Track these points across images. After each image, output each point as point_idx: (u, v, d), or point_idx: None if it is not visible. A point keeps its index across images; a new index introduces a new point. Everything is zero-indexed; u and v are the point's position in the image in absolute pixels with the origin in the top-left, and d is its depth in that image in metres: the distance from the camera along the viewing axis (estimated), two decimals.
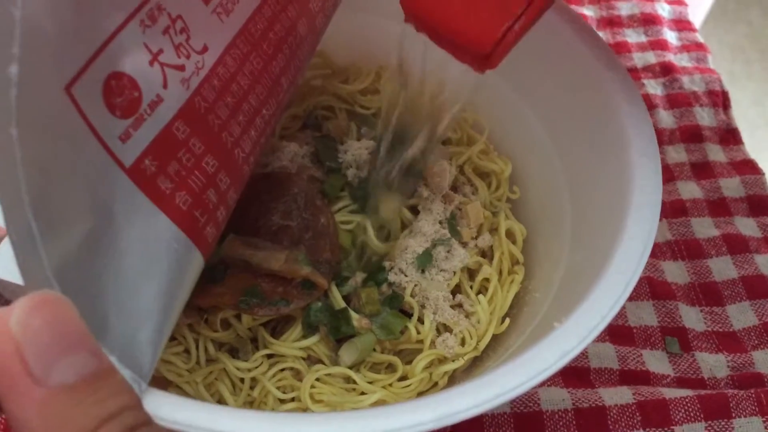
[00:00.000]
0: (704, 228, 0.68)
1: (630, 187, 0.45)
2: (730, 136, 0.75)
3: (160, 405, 0.35)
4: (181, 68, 0.38)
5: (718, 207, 0.70)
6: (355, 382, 0.49)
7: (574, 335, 0.39)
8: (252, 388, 0.49)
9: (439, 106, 0.54)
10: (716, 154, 0.73)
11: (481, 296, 0.52)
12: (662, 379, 0.60)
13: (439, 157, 0.57)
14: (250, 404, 0.49)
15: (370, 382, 0.49)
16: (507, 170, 0.58)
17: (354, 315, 0.51)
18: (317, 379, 0.49)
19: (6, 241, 0.31)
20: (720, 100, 0.77)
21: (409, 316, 0.52)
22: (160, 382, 0.48)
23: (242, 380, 0.49)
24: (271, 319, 0.51)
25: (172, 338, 0.50)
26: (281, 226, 0.53)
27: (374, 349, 0.51)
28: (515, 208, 0.58)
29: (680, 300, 0.64)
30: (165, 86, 0.37)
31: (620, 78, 0.51)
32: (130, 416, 0.31)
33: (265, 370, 0.50)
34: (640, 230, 0.43)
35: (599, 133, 0.50)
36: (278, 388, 0.49)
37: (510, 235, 0.55)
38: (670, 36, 0.84)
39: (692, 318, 0.63)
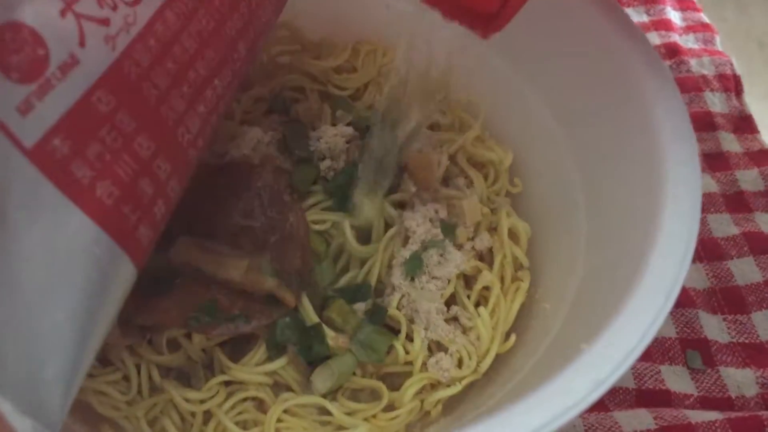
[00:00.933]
0: (722, 226, 0.61)
1: (663, 175, 0.38)
2: (744, 124, 0.68)
3: None
4: (105, 22, 0.29)
5: (736, 202, 0.62)
6: (330, 413, 0.41)
7: (608, 361, 0.31)
8: (206, 423, 0.41)
9: (428, 87, 0.46)
10: (730, 143, 0.66)
11: (481, 308, 0.44)
12: (685, 399, 0.52)
13: (424, 144, 0.49)
14: None
15: (348, 414, 0.41)
16: (507, 160, 0.50)
17: (329, 332, 0.42)
18: (285, 411, 0.41)
19: None
20: (732, 84, 0.70)
21: (396, 332, 0.43)
22: (90, 417, 0.39)
23: (193, 414, 0.41)
24: (228, 338, 0.43)
25: (108, 363, 0.42)
26: (242, 227, 0.45)
27: (354, 373, 0.42)
28: (516, 204, 0.50)
29: (700, 307, 0.56)
30: (82, 44, 0.28)
31: (641, 48, 0.43)
32: None
33: (221, 401, 0.41)
34: (679, 227, 0.35)
35: (619, 113, 0.42)
36: (238, 423, 0.41)
37: (512, 235, 0.47)
38: (674, 16, 0.77)
39: (714, 328, 0.56)
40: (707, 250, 0.60)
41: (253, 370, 0.42)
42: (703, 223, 0.61)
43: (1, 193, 0.26)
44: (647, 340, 0.32)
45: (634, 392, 0.52)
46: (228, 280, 0.42)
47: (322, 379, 0.41)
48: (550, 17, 0.45)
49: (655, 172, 0.38)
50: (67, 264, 0.27)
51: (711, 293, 0.57)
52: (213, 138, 0.37)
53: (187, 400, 0.40)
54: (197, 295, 0.42)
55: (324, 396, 0.41)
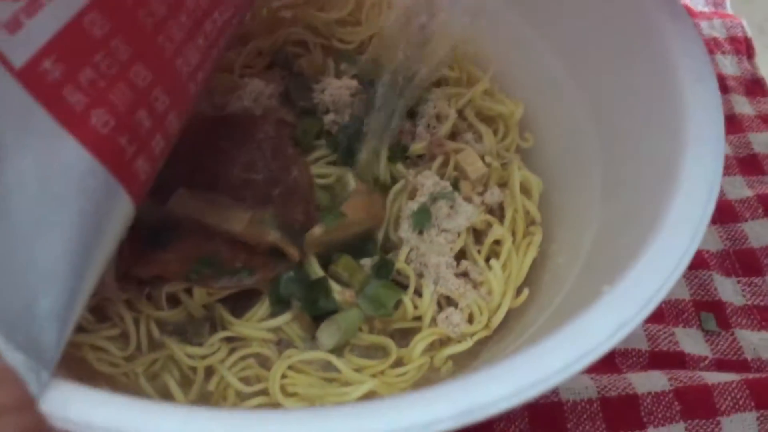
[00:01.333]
0: (736, 188, 0.59)
1: (684, 120, 0.36)
2: (756, 86, 0.66)
3: (69, 402, 0.25)
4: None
5: (749, 165, 0.61)
6: (337, 369, 0.39)
7: (631, 301, 0.29)
8: (207, 379, 0.39)
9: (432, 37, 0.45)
10: (742, 106, 0.65)
11: (493, 261, 0.42)
12: (699, 362, 0.50)
13: (434, 99, 0.47)
14: (206, 400, 0.39)
15: (356, 370, 0.39)
16: (517, 112, 0.48)
17: (335, 286, 0.41)
18: (289, 367, 0.39)
19: None
20: (743, 47, 0.68)
21: (404, 287, 0.42)
22: (86, 374, 0.38)
23: (195, 370, 0.39)
24: (230, 294, 0.41)
25: (106, 319, 0.40)
26: (244, 179, 0.43)
27: (360, 329, 0.41)
28: (527, 160, 0.48)
29: (714, 270, 0.55)
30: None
31: None
32: (12, 420, 0.21)
33: (223, 357, 0.39)
34: (703, 170, 0.34)
35: (635, 58, 0.41)
36: (241, 379, 0.39)
37: (524, 189, 0.45)
38: None
39: (729, 290, 0.54)
40: (721, 213, 0.58)
41: (257, 325, 0.40)
42: None
43: None
44: (672, 281, 0.30)
45: (648, 354, 0.50)
46: (230, 232, 0.40)
47: (328, 334, 0.40)
48: None
49: (676, 116, 0.36)
50: (60, 195, 0.26)
51: (725, 255, 0.56)
52: (213, 76, 0.35)
53: (188, 356, 0.39)
54: (198, 248, 0.40)
55: (330, 352, 0.40)
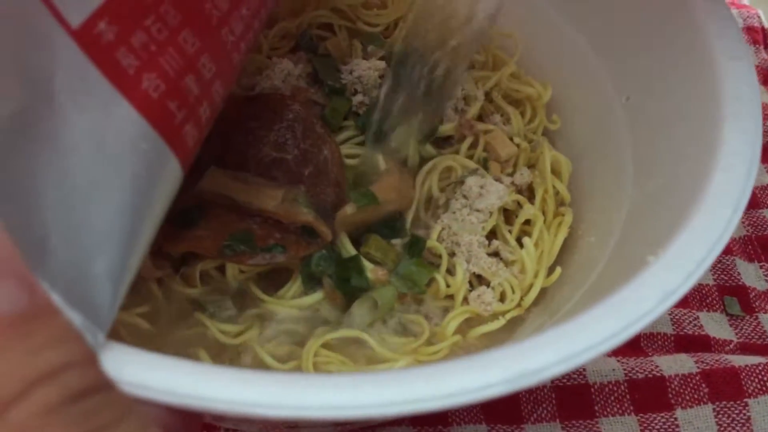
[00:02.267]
0: (757, 175, 0.59)
1: (721, 96, 0.36)
2: None
3: (124, 363, 0.25)
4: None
5: None
6: (371, 347, 0.39)
7: (678, 270, 0.29)
8: (237, 358, 0.39)
9: (469, 17, 0.44)
10: (761, 95, 0.64)
11: (526, 239, 0.42)
12: (725, 345, 0.51)
13: (463, 83, 0.47)
14: None
15: (389, 348, 0.39)
16: (546, 95, 0.48)
17: (368, 265, 0.41)
18: (322, 345, 0.39)
19: None
20: (760, 37, 0.68)
21: (436, 267, 0.42)
22: None
23: (225, 347, 0.39)
24: (261, 272, 0.41)
25: (136, 293, 0.40)
26: (275, 158, 0.43)
27: (393, 308, 0.41)
28: (555, 142, 0.48)
29: (737, 255, 0.55)
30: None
31: None
32: (76, 376, 0.21)
33: (256, 335, 0.39)
34: (742, 144, 0.34)
35: (666, 35, 0.41)
36: (273, 356, 0.39)
37: (554, 170, 0.46)
38: None
39: (751, 275, 0.54)
40: None
41: (290, 302, 0.40)
42: None
43: (48, 74, 0.24)
44: (718, 250, 0.30)
45: (673, 338, 0.51)
46: (263, 210, 0.40)
47: (361, 311, 0.40)
48: None
49: (712, 92, 0.36)
50: (115, 157, 0.26)
51: (747, 241, 0.56)
52: (253, 47, 0.35)
53: (222, 332, 0.39)
54: (231, 225, 0.40)
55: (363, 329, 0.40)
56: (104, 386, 0.22)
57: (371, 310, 0.40)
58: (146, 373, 0.24)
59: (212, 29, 0.30)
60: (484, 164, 0.45)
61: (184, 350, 0.39)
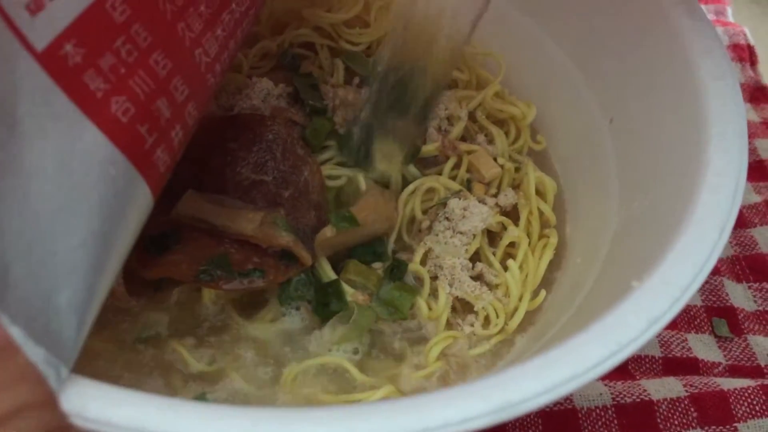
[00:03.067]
0: (744, 194, 0.58)
1: (706, 117, 0.35)
2: (760, 93, 0.66)
3: (89, 399, 0.23)
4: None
5: (757, 171, 0.61)
6: (352, 374, 0.38)
7: (663, 297, 0.29)
8: (210, 385, 0.38)
9: (446, 37, 0.44)
10: (748, 113, 0.64)
11: (510, 261, 0.41)
12: (713, 368, 0.50)
13: (445, 101, 0.47)
14: None
15: (371, 374, 0.38)
16: (530, 115, 0.47)
17: (348, 289, 0.40)
18: (302, 371, 0.38)
19: None
20: (746, 55, 0.68)
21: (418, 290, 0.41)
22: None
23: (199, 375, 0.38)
24: (239, 296, 0.40)
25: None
26: (254, 181, 0.42)
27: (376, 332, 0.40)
28: (540, 162, 0.47)
29: (725, 275, 0.54)
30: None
31: None
32: (33, 420, 0.20)
33: (232, 360, 0.38)
34: (727, 165, 0.33)
35: (651, 56, 0.40)
36: (252, 379, 0.38)
37: (538, 191, 0.45)
38: None
39: (740, 296, 0.54)
40: None
41: (267, 327, 0.39)
42: None
43: (10, 99, 0.23)
44: (703, 275, 0.29)
45: (661, 360, 0.50)
46: (241, 233, 0.39)
47: (332, 328, 0.39)
48: None
49: (697, 113, 0.36)
50: (81, 183, 0.25)
51: (735, 261, 0.55)
52: (229, 68, 0.34)
53: (197, 360, 0.38)
54: (208, 249, 0.39)
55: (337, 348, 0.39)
56: (63, 427, 0.21)
57: (341, 326, 0.39)
58: (112, 410, 0.23)
59: (185, 51, 0.29)
60: (468, 185, 0.45)
61: (155, 377, 0.38)
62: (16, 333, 0.22)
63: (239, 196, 0.41)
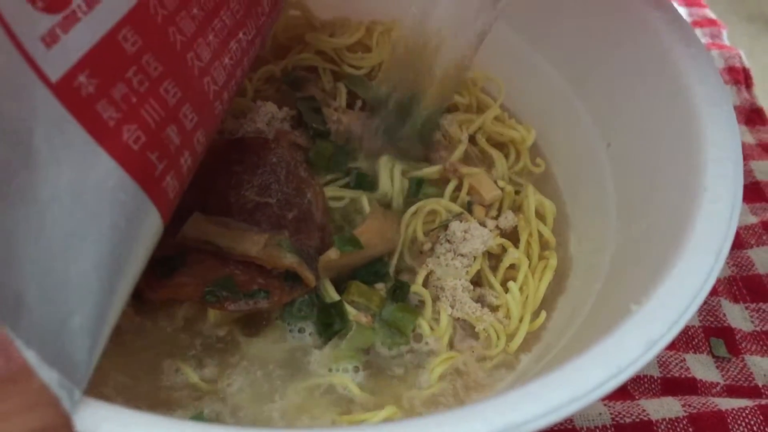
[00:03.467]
0: (740, 215, 0.59)
1: (702, 142, 0.36)
2: (755, 116, 0.67)
3: (101, 420, 0.24)
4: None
5: (753, 192, 0.62)
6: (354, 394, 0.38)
7: (661, 320, 0.29)
8: (214, 403, 0.38)
9: (446, 61, 0.45)
10: (743, 135, 0.65)
11: (510, 283, 0.42)
12: (711, 388, 0.50)
13: (445, 123, 0.48)
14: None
15: (374, 393, 0.39)
16: (529, 137, 0.48)
17: (351, 310, 0.40)
18: (306, 390, 0.38)
19: None
20: (741, 77, 0.69)
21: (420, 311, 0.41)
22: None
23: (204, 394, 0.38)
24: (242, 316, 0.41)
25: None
26: (258, 203, 0.43)
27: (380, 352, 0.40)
28: (539, 185, 0.48)
29: (722, 296, 0.55)
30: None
31: (670, 17, 0.42)
32: None
33: (237, 379, 0.39)
34: (723, 189, 0.34)
35: (647, 82, 0.41)
36: (258, 395, 0.38)
37: (538, 214, 0.45)
38: (681, 12, 0.76)
39: (737, 316, 0.54)
40: None
41: (271, 347, 0.39)
42: None
43: (27, 129, 0.24)
44: (701, 298, 0.30)
45: (660, 381, 0.50)
46: (245, 255, 0.40)
47: (333, 347, 0.39)
48: None
49: (693, 138, 0.37)
50: (93, 209, 0.25)
51: (732, 281, 0.56)
52: (236, 95, 0.35)
53: (202, 379, 0.38)
54: (214, 270, 0.40)
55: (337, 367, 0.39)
56: None
57: (340, 343, 0.39)
58: (124, 430, 0.24)
59: (194, 79, 0.30)
60: (469, 207, 0.45)
61: (162, 397, 0.38)
62: (30, 357, 0.22)
63: (244, 219, 0.42)
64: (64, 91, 0.25)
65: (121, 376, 0.38)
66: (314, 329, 0.40)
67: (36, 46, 0.24)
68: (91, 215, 0.25)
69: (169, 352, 0.40)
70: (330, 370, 0.39)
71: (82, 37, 0.26)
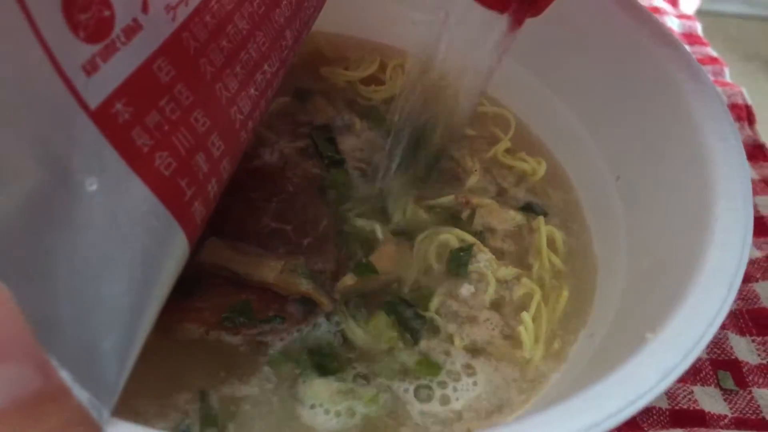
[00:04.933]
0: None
1: (712, 176, 0.37)
2: (758, 152, 0.68)
3: None
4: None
5: (757, 227, 0.62)
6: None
7: (676, 349, 0.30)
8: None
9: (458, 95, 0.46)
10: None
11: (524, 313, 0.42)
12: (719, 420, 0.50)
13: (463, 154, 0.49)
14: None
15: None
16: (540, 170, 0.49)
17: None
18: None
19: None
20: (744, 114, 0.70)
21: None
22: None
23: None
24: None
25: None
26: (274, 229, 0.43)
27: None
28: (548, 216, 0.49)
29: (728, 329, 0.55)
30: (145, 10, 0.28)
31: (677, 53, 0.43)
32: None
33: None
34: (735, 223, 0.35)
35: (655, 118, 0.42)
36: None
37: (549, 244, 0.46)
38: None
39: (743, 349, 0.55)
40: None
41: None
42: None
43: (67, 154, 0.25)
44: (714, 329, 0.31)
45: (668, 413, 0.50)
46: (262, 281, 0.40)
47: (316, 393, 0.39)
48: (569, 21, 0.46)
49: (703, 173, 0.38)
50: (126, 233, 0.26)
51: (738, 315, 0.57)
52: (259, 125, 0.36)
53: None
54: (230, 296, 0.40)
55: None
56: None
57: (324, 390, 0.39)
58: None
59: (222, 109, 0.31)
60: (481, 236, 0.46)
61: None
62: (65, 376, 0.23)
63: (260, 244, 0.43)
64: (102, 117, 0.26)
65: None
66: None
67: (77, 74, 0.25)
68: (124, 239, 0.26)
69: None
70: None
71: (120, 66, 0.26)
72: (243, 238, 0.43)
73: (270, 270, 0.40)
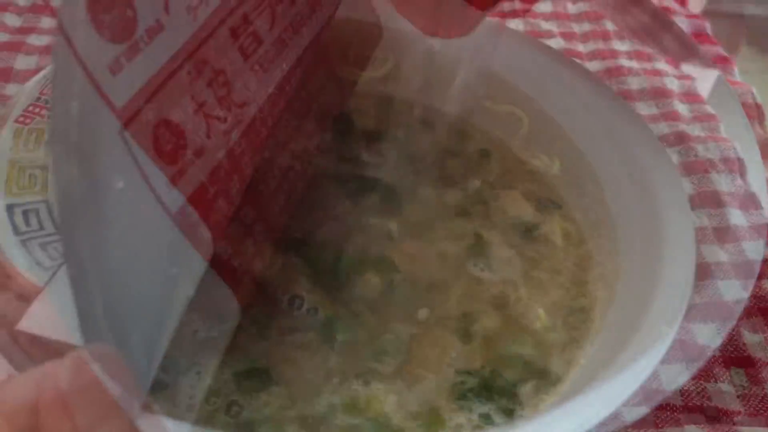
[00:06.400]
0: (732, 290, 0.61)
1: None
2: (749, 201, 0.69)
3: None
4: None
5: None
6: None
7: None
8: None
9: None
10: (737, 218, 0.67)
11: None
12: (733, 416, 0.51)
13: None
14: None
15: None
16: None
17: None
18: None
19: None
20: (736, 166, 0.71)
21: None
22: None
23: None
24: None
25: None
26: None
27: None
28: None
29: (743, 326, 0.56)
30: (167, 10, 0.28)
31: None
32: None
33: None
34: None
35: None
36: None
37: None
38: (682, 108, 0.78)
39: (757, 346, 0.55)
40: (721, 313, 0.60)
41: None
42: (715, 288, 0.61)
43: (95, 153, 0.25)
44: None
45: (682, 410, 0.51)
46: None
47: None
48: None
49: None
50: (152, 229, 0.27)
51: (751, 312, 0.57)
52: (277, 124, 0.37)
53: None
54: None
55: None
56: None
57: None
58: None
59: (243, 106, 0.31)
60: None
61: None
62: (97, 369, 0.23)
63: None
64: (128, 116, 0.26)
65: None
66: None
67: (104, 74, 0.25)
68: (149, 234, 0.26)
69: None
70: None
71: (144, 66, 0.27)
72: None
73: None
